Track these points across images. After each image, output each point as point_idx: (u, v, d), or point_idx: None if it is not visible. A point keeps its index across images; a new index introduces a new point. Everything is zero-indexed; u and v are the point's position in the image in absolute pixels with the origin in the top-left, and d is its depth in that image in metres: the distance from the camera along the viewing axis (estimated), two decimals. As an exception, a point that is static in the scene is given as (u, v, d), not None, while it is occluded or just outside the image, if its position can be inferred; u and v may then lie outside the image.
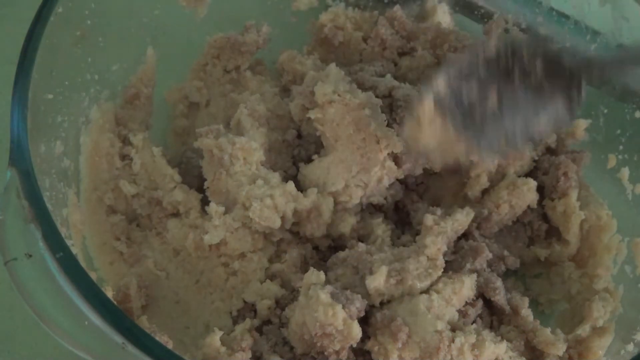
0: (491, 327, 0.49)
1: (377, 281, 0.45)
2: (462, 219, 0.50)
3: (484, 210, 0.52)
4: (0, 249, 0.39)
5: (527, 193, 0.53)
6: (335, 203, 0.51)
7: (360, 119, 0.49)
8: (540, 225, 0.55)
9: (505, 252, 0.52)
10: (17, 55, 0.44)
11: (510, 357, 0.46)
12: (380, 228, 0.51)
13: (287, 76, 0.58)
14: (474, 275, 0.48)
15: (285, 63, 0.58)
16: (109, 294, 0.46)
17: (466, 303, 0.47)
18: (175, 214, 0.52)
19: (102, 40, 0.51)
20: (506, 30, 0.58)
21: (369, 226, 0.52)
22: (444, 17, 0.62)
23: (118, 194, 0.52)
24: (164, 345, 0.37)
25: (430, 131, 0.46)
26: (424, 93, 0.46)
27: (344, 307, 0.44)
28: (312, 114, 0.50)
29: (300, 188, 0.51)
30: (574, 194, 0.54)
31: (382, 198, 0.52)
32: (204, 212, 0.51)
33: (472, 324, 0.47)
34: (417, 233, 0.50)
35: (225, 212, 0.49)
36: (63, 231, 0.42)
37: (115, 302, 0.43)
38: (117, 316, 0.37)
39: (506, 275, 0.52)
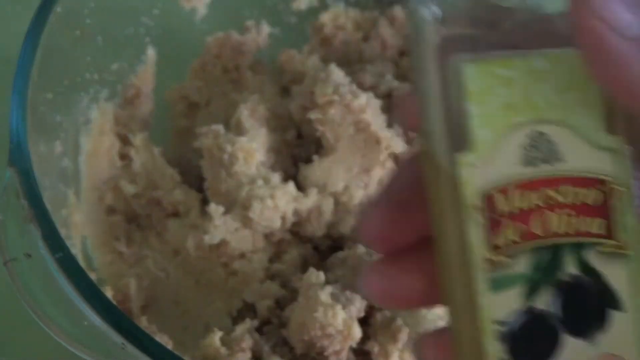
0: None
1: (377, 282, 0.45)
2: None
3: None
4: (0, 249, 0.39)
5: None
6: (336, 203, 0.50)
7: (361, 119, 0.49)
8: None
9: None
10: (17, 55, 0.43)
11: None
12: None
13: (287, 76, 0.58)
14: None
15: (285, 63, 0.58)
16: (109, 294, 0.46)
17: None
18: (175, 214, 0.52)
19: (102, 40, 0.51)
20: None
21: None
22: (444, 17, 0.62)
23: (118, 194, 0.52)
24: (164, 346, 0.37)
25: None
26: None
27: (344, 308, 0.44)
28: (312, 115, 0.50)
29: (301, 188, 0.51)
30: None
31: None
32: (204, 212, 0.51)
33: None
34: None
35: (226, 212, 0.49)
36: (63, 231, 0.42)
37: (115, 302, 0.43)
38: (117, 316, 0.37)
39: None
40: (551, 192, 0.21)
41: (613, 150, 0.21)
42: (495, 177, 0.21)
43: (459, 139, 0.21)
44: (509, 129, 0.21)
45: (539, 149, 0.21)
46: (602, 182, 0.21)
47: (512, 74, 0.21)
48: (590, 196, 0.21)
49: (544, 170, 0.21)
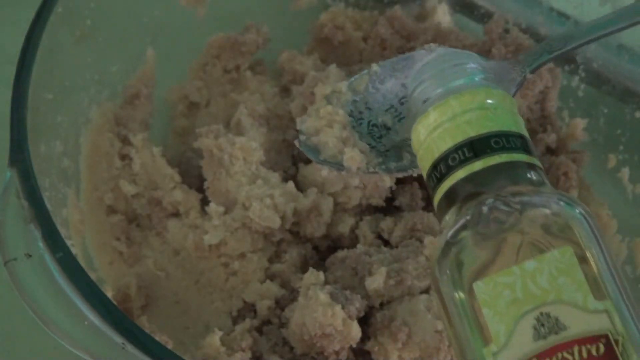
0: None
1: (377, 282, 0.45)
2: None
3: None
4: (0, 249, 0.39)
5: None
6: (335, 204, 0.50)
7: (360, 119, 0.49)
8: (541, 226, 0.55)
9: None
10: (17, 55, 0.44)
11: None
12: (366, 228, 0.51)
13: (287, 76, 0.58)
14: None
15: (285, 63, 0.58)
16: (109, 294, 0.46)
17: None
18: (175, 214, 0.52)
19: (102, 40, 0.51)
20: (506, 31, 0.58)
21: (364, 227, 0.52)
22: (444, 17, 0.62)
23: (118, 194, 0.52)
24: (164, 345, 0.37)
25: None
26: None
27: (343, 308, 0.44)
28: (312, 115, 0.50)
29: (300, 188, 0.51)
30: (574, 194, 0.54)
31: (381, 200, 0.52)
32: (204, 212, 0.51)
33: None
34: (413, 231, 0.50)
35: (225, 212, 0.49)
36: (63, 231, 0.42)
37: (115, 302, 0.43)
38: (117, 316, 0.37)
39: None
40: (565, 354, 0.26)
41: (604, 311, 0.27)
42: (517, 356, 0.27)
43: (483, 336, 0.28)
44: (519, 317, 0.27)
45: (546, 325, 0.27)
46: (603, 336, 0.26)
47: (511, 279, 0.28)
48: (596, 349, 0.26)
49: (554, 339, 0.27)
